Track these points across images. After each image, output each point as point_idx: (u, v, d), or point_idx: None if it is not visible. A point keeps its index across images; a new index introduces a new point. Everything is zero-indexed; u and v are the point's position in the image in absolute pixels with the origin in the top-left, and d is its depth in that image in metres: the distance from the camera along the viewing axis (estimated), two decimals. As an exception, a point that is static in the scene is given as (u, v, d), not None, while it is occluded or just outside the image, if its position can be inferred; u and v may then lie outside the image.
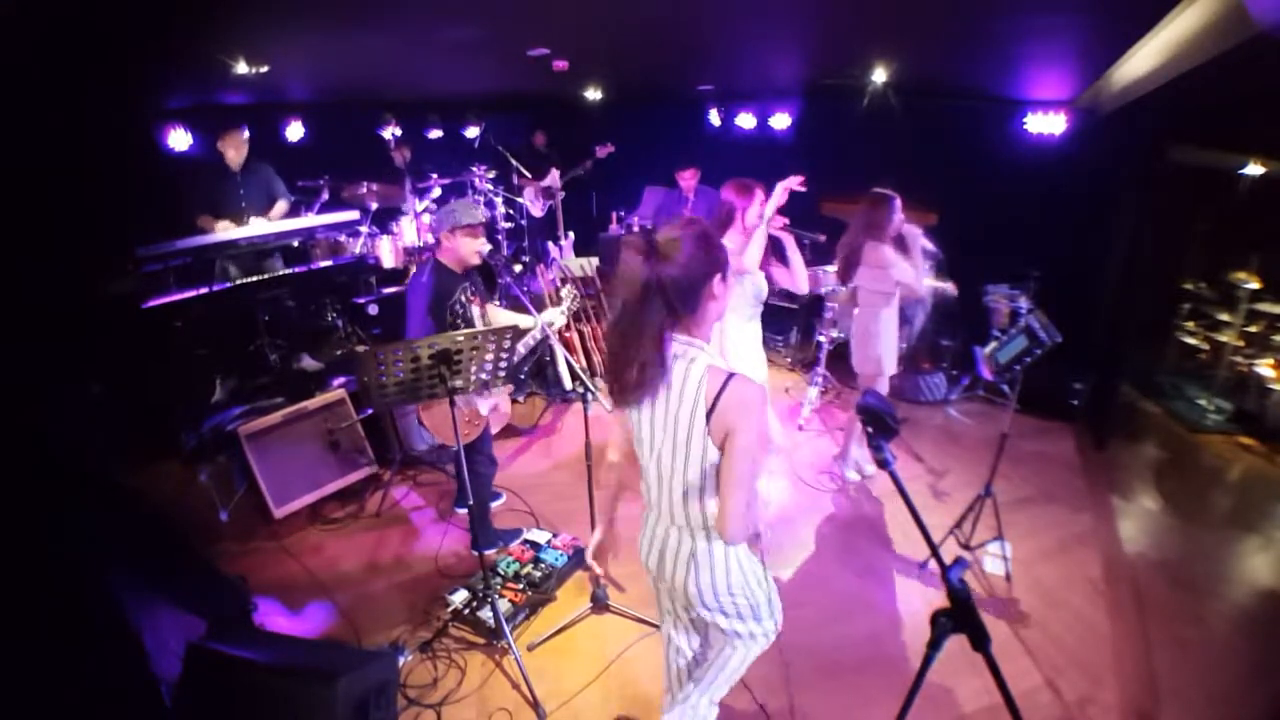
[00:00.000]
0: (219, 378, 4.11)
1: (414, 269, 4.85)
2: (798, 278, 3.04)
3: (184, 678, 2.06)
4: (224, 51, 2.97)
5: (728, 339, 3.02)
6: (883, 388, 3.51)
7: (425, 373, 2.33)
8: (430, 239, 5.08)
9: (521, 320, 3.09)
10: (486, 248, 2.89)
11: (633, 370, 1.44)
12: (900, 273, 3.28)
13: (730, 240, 2.94)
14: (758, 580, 1.64)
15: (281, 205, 4.53)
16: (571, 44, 3.53)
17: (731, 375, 1.42)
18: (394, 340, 2.84)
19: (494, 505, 3.52)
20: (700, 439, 1.45)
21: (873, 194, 3.34)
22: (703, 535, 1.56)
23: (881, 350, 3.43)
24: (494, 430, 4.31)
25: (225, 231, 4.10)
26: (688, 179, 5.49)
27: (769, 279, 3.04)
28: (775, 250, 3.04)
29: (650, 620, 2.72)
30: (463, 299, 2.89)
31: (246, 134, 4.29)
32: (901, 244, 3.37)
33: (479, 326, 2.97)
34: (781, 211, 2.89)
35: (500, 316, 3.14)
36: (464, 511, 3.46)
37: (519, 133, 6.48)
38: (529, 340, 3.16)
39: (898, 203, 3.29)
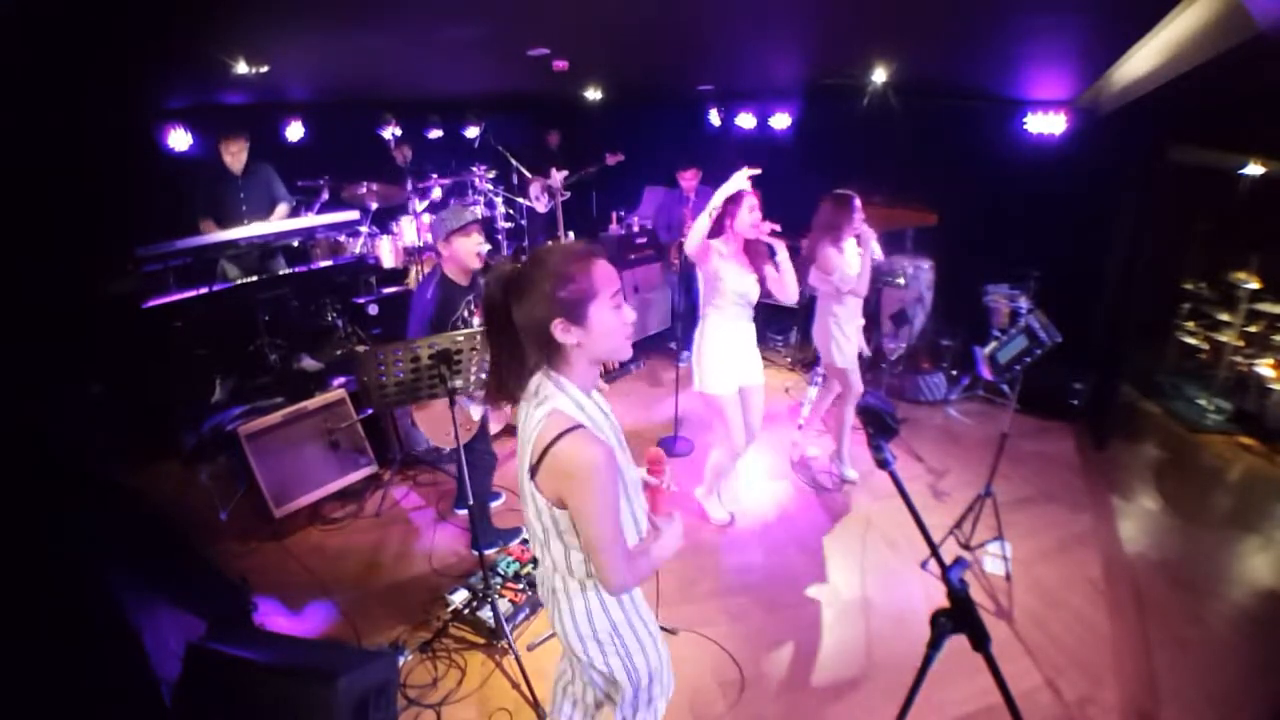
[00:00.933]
0: (219, 378, 4.11)
1: (416, 273, 4.85)
2: (787, 286, 2.99)
3: (184, 678, 2.06)
4: (224, 51, 2.96)
5: (705, 337, 3.08)
6: (855, 382, 3.61)
7: (425, 373, 2.33)
8: (430, 238, 5.08)
9: None
10: (485, 246, 2.88)
11: (492, 379, 1.40)
12: (840, 279, 3.35)
13: (721, 246, 2.98)
14: (634, 633, 1.48)
15: (283, 208, 4.54)
16: (571, 44, 3.53)
17: (569, 430, 1.26)
18: (394, 340, 2.84)
19: (494, 505, 3.52)
20: (529, 487, 1.34)
21: (834, 194, 3.39)
22: (559, 574, 1.43)
23: (835, 346, 3.54)
24: (494, 429, 4.33)
25: (226, 231, 4.10)
26: (689, 179, 5.49)
27: (762, 283, 3.04)
28: (769, 256, 3.03)
29: (650, 620, 2.72)
30: (465, 314, 2.88)
31: (246, 141, 4.30)
32: (860, 242, 3.46)
33: None
34: (773, 218, 2.91)
35: None
36: (463, 512, 3.47)
37: (520, 133, 6.48)
38: None
39: (858, 202, 3.34)
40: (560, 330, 1.30)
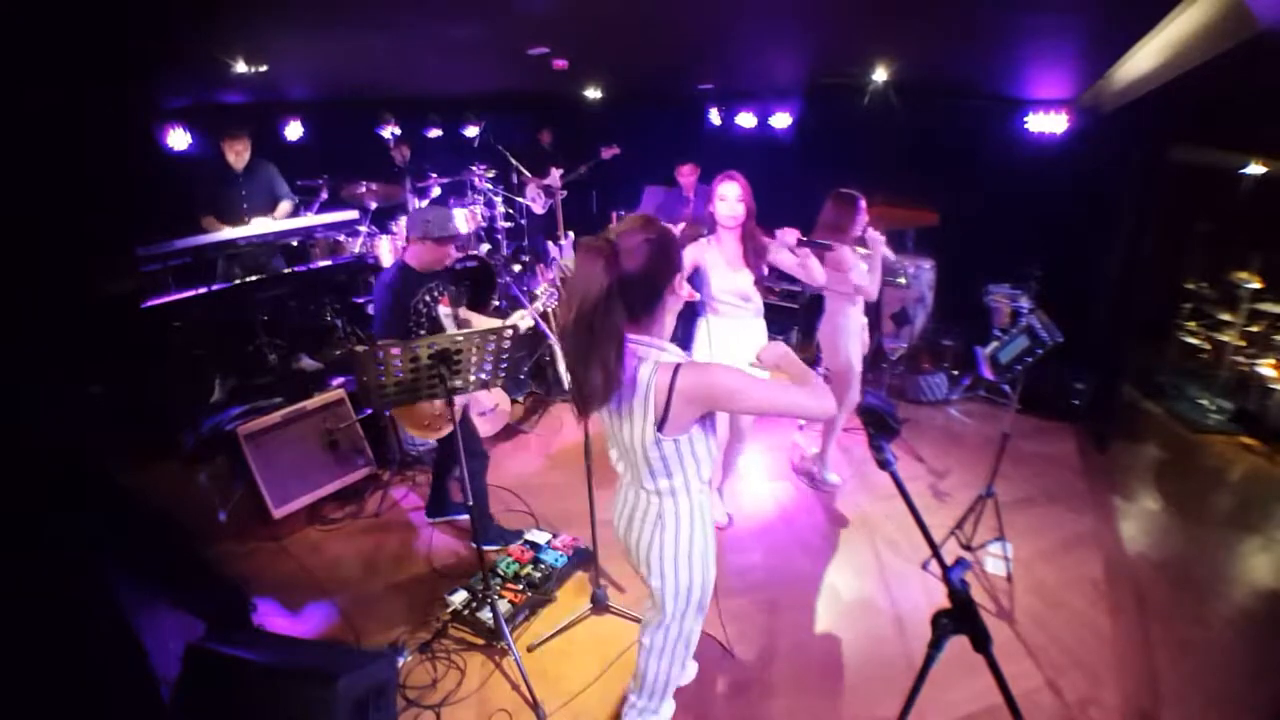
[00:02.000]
0: (218, 378, 4.11)
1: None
2: (811, 271, 3.01)
3: (183, 678, 2.06)
4: (224, 51, 2.96)
5: (695, 336, 3.07)
6: (855, 385, 3.57)
7: (425, 373, 2.32)
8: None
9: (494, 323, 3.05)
10: (454, 256, 2.91)
11: (597, 375, 1.46)
12: (858, 275, 3.28)
13: (705, 244, 2.94)
14: (704, 558, 1.75)
15: (285, 206, 4.53)
16: (571, 43, 3.53)
17: (678, 367, 1.47)
18: (393, 340, 2.82)
19: (458, 518, 3.45)
20: (651, 431, 1.52)
21: (837, 193, 3.33)
22: (670, 498, 1.68)
23: (851, 348, 3.50)
24: (494, 430, 4.33)
25: (226, 230, 4.10)
26: (686, 175, 5.43)
27: (759, 281, 3.00)
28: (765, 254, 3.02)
29: (650, 621, 2.71)
30: (427, 298, 2.89)
31: (249, 140, 4.30)
32: (864, 245, 3.39)
33: (448, 326, 2.95)
34: (772, 217, 2.91)
35: (474, 320, 3.10)
36: (438, 520, 3.45)
37: (519, 132, 6.47)
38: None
39: (863, 203, 3.30)
40: (679, 284, 1.53)
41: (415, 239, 2.82)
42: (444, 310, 2.96)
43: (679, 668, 1.96)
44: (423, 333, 2.87)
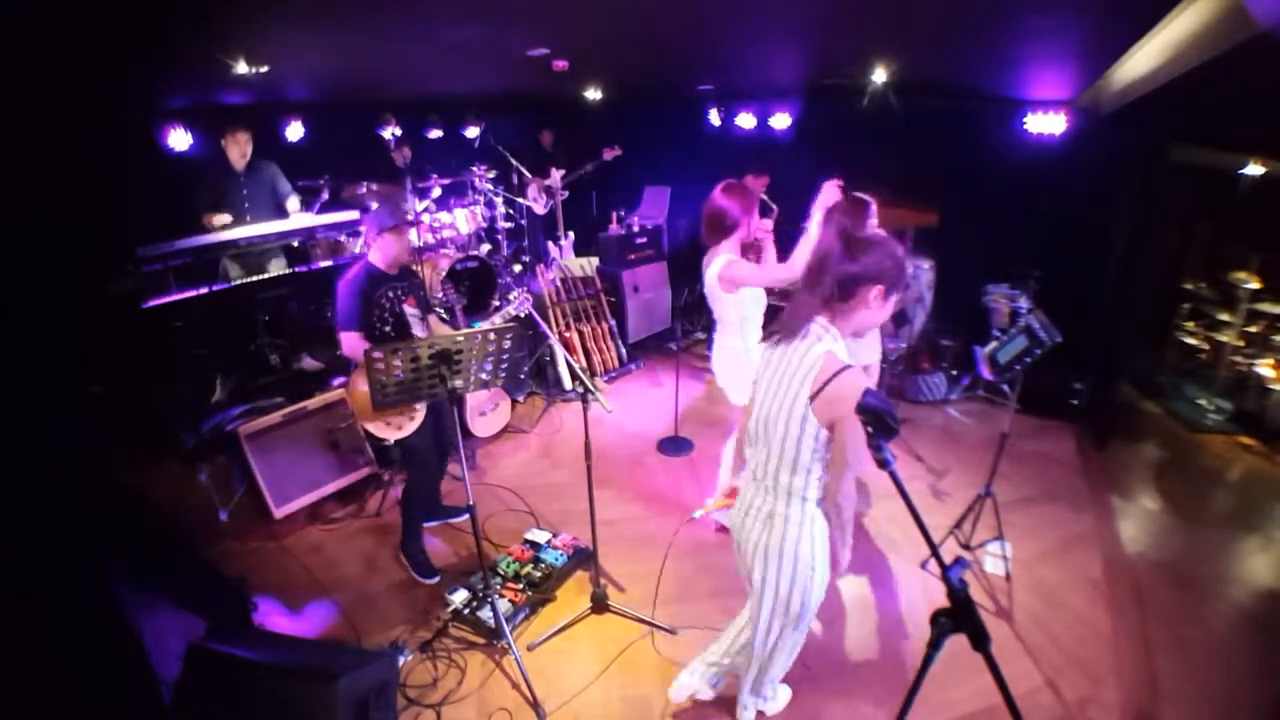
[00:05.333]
0: (219, 378, 4.12)
1: (416, 273, 4.83)
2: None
3: (184, 678, 2.06)
4: (224, 51, 2.96)
5: (742, 354, 2.93)
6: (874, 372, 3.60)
7: (425, 372, 2.33)
8: (431, 239, 5.08)
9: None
10: (413, 245, 2.90)
11: (785, 314, 1.74)
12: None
13: (728, 250, 2.85)
14: (808, 573, 1.79)
15: (294, 202, 4.53)
16: (571, 44, 3.53)
17: (845, 368, 1.60)
18: (394, 340, 2.83)
19: (457, 520, 3.41)
20: (802, 410, 1.65)
21: (850, 196, 3.40)
22: (784, 499, 1.77)
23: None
24: (493, 430, 4.33)
25: (226, 230, 4.10)
26: (761, 186, 5.31)
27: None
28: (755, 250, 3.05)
29: (650, 620, 2.72)
30: (390, 294, 2.87)
31: (250, 132, 4.29)
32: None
33: (414, 326, 2.94)
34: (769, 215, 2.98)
35: (441, 329, 3.09)
36: (432, 525, 3.41)
37: (520, 133, 6.48)
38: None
39: (873, 207, 3.32)
40: (875, 294, 1.64)
41: (374, 235, 2.82)
42: (410, 310, 2.94)
43: (779, 668, 2.09)
44: (388, 329, 2.85)
